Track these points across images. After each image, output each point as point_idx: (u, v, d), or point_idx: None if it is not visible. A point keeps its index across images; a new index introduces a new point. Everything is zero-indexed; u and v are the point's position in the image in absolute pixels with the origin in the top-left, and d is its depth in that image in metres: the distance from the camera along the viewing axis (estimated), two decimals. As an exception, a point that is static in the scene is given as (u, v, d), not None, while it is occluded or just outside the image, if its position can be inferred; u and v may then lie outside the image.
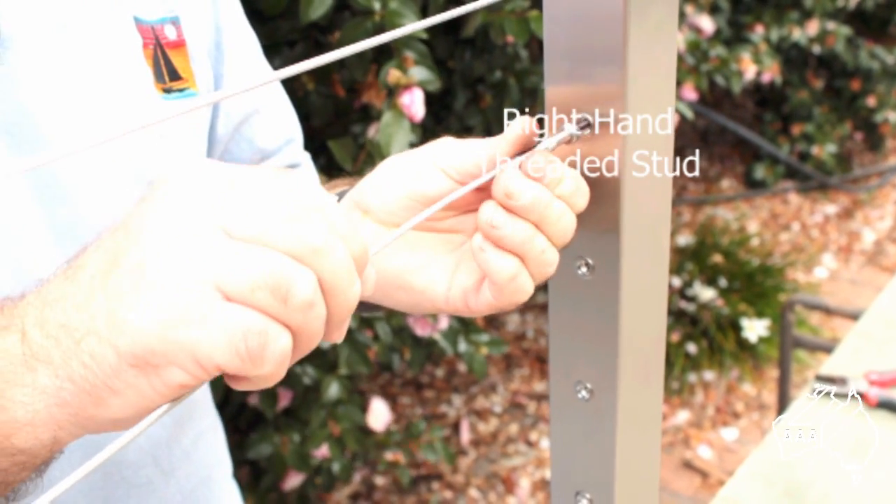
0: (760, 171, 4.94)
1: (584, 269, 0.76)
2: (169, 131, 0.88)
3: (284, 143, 1.12)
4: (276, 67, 1.97)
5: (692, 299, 3.69)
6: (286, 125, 1.12)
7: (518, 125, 0.73)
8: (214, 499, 1.14)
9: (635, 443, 0.84)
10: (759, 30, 4.16)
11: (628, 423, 0.81)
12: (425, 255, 0.79)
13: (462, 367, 3.69)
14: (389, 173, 0.81)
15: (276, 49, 1.94)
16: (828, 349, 2.27)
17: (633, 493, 0.85)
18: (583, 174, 0.72)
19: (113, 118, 0.84)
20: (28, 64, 0.79)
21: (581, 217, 0.73)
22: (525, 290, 0.73)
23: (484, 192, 0.74)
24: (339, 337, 0.59)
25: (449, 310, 0.79)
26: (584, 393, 0.81)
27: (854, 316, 2.10)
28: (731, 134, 5.23)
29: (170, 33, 0.89)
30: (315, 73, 1.95)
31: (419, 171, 0.78)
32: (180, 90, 0.90)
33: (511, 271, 0.71)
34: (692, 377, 3.60)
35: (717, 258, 3.89)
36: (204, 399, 1.12)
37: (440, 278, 0.78)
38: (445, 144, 0.79)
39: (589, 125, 0.70)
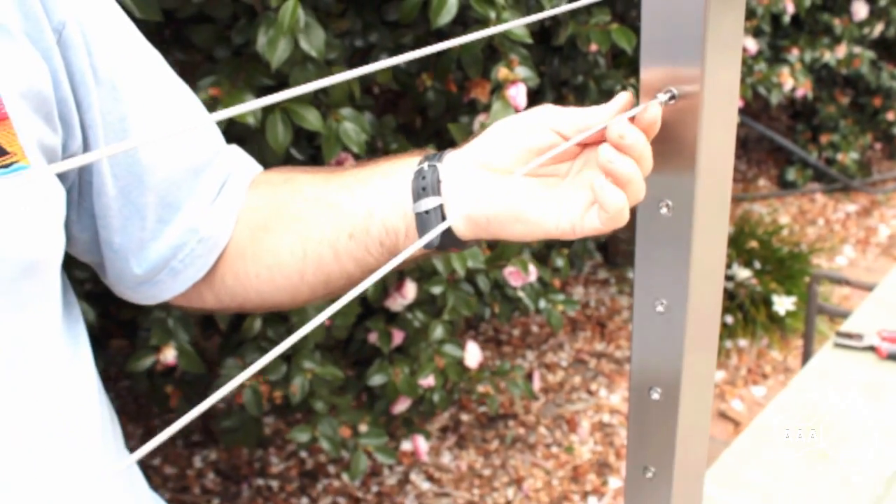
0: (792, 174, 4.89)
1: (665, 210, 0.79)
2: None
3: (193, 175, 0.90)
4: (394, 67, 2.02)
5: (730, 278, 3.68)
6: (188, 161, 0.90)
7: (622, 97, 0.77)
8: None
9: (699, 346, 0.86)
10: (795, 52, 4.13)
11: (695, 330, 0.84)
12: (535, 194, 0.80)
13: (535, 327, 3.70)
14: (505, 134, 0.82)
15: (400, 51, 1.92)
16: (846, 317, 2.30)
17: (694, 385, 0.88)
18: (666, 134, 0.75)
19: None
20: None
21: (665, 168, 0.76)
22: (626, 218, 0.76)
23: (581, 146, 0.79)
24: None
25: (557, 234, 0.79)
26: (660, 307, 0.84)
27: (869, 288, 2.13)
28: (767, 141, 5.18)
29: None
30: (434, 72, 1.97)
31: (532, 130, 0.79)
32: (6, 165, 0.72)
33: (622, 203, 0.74)
34: (728, 344, 3.61)
35: (753, 244, 3.86)
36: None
37: (549, 210, 0.79)
38: (554, 109, 0.80)
39: (674, 97, 0.74)
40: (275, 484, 2.94)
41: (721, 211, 0.83)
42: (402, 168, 0.85)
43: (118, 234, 0.86)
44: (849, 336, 1.76)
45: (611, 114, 0.76)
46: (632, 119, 0.75)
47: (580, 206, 0.77)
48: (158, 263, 0.89)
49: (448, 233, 0.83)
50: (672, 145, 0.77)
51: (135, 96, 0.83)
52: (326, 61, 1.61)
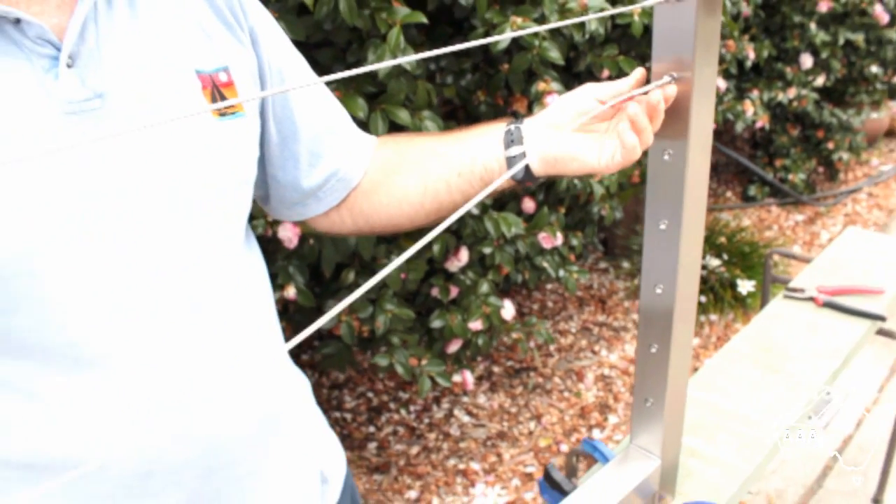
0: (752, 190, 4.93)
1: (667, 156, 0.91)
2: (218, 142, 0.84)
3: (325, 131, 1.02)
4: (457, 85, 2.16)
5: (704, 267, 3.73)
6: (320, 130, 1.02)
7: (638, 72, 0.90)
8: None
9: (689, 253, 0.97)
10: (756, 92, 4.18)
11: (686, 241, 0.95)
12: (584, 142, 0.91)
13: (550, 303, 3.77)
14: (562, 103, 0.93)
15: (462, 74, 2.07)
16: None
17: (686, 281, 0.99)
18: (670, 106, 0.87)
19: (177, 138, 0.81)
20: (117, 108, 0.76)
21: (668, 128, 0.89)
22: (637, 155, 0.88)
23: (614, 111, 0.91)
24: None
25: (598, 169, 0.90)
26: (663, 226, 0.95)
27: (808, 261, 2.22)
28: (733, 165, 5.24)
29: (222, 77, 0.85)
30: (486, 89, 2.08)
31: (580, 99, 0.92)
32: (233, 114, 0.87)
33: (635, 142, 0.87)
34: (702, 318, 3.67)
35: (722, 240, 3.92)
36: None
37: (593, 153, 0.90)
38: (594, 84, 0.93)
39: (674, 79, 0.87)
40: (348, 416, 3.06)
41: (704, 159, 0.94)
42: (495, 129, 0.99)
43: (280, 171, 1.00)
44: (794, 290, 1.84)
45: (631, 83, 0.90)
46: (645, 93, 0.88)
47: (610, 151, 0.91)
48: (308, 193, 1.02)
49: (527, 171, 0.96)
50: (673, 113, 0.89)
51: (293, 81, 0.96)
52: (413, 76, 1.76)
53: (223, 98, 0.85)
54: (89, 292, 0.74)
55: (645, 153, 0.94)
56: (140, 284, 0.77)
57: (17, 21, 0.71)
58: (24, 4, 0.72)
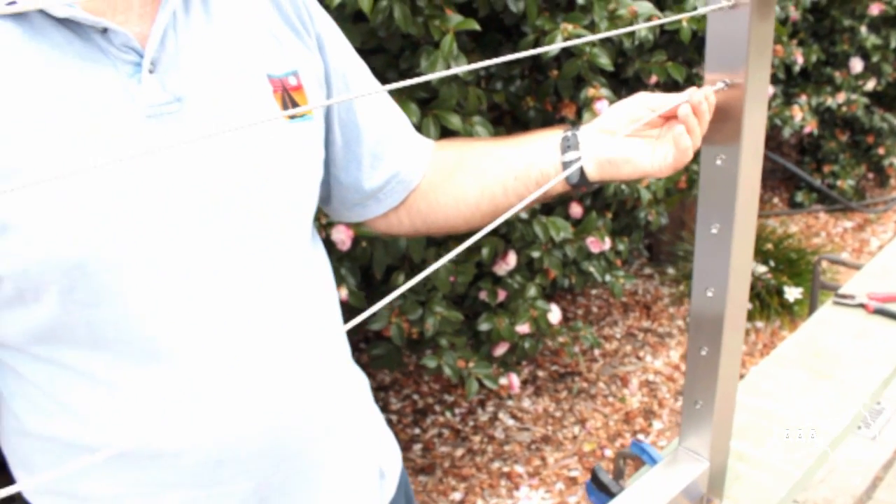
0: (800, 196, 4.88)
1: (719, 161, 0.91)
2: (288, 144, 0.88)
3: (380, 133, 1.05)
4: (506, 91, 2.19)
5: (751, 273, 3.69)
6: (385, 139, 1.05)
7: (690, 90, 0.90)
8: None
9: (740, 257, 0.98)
10: (804, 97, 4.15)
11: (737, 244, 0.96)
12: (637, 147, 0.92)
13: (594, 308, 3.78)
14: (616, 110, 0.94)
15: (512, 80, 2.09)
16: (843, 295, 2.36)
17: (737, 284, 1.00)
18: (722, 111, 0.89)
19: (250, 140, 0.84)
20: (195, 111, 0.79)
21: (720, 133, 0.90)
22: (689, 157, 0.90)
23: (665, 119, 0.91)
24: None
25: (651, 172, 0.92)
26: (714, 230, 0.95)
27: (858, 268, 2.20)
28: (780, 171, 5.18)
29: (292, 81, 0.88)
30: (535, 95, 2.10)
31: (633, 106, 0.92)
32: (301, 116, 0.90)
33: (689, 143, 0.88)
34: (748, 325, 3.62)
35: (769, 246, 3.89)
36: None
37: (645, 156, 0.92)
38: (647, 94, 0.93)
39: (727, 85, 0.88)
40: (394, 418, 3.09)
41: (756, 163, 0.94)
42: (552, 135, 1.01)
43: (343, 172, 1.03)
44: (844, 296, 1.82)
45: (682, 99, 0.90)
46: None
47: (662, 154, 0.93)
48: (369, 194, 1.05)
49: (582, 176, 0.98)
50: (725, 118, 0.90)
51: (356, 85, 1.00)
52: (464, 82, 1.79)
53: (293, 101, 0.89)
54: (167, 288, 0.77)
55: (695, 159, 0.96)
56: (213, 281, 0.80)
57: (104, 30, 0.75)
58: (109, 14, 0.77)
